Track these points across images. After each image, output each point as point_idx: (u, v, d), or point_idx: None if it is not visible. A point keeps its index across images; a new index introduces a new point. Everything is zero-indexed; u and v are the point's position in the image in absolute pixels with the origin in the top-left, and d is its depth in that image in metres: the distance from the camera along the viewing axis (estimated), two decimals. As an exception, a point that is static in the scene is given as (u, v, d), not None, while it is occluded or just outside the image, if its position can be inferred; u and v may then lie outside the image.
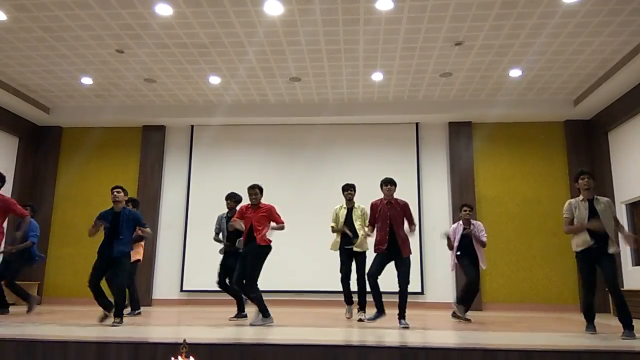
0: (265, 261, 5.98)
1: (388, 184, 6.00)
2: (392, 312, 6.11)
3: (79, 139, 11.45)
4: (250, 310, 6.48)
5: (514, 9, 7.03)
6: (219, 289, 6.91)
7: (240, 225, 5.96)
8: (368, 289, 6.14)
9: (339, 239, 6.76)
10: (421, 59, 8.63)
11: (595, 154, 10.26)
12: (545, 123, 10.75)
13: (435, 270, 10.29)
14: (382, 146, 10.96)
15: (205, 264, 10.32)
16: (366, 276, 5.88)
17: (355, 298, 6.78)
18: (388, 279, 6.07)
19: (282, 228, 6.11)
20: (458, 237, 6.88)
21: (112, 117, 10.93)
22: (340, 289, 6.83)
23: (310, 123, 11.09)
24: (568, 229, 5.45)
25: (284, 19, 7.38)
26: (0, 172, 6.24)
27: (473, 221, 6.91)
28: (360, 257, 6.66)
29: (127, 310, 7.27)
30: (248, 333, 4.89)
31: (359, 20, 7.37)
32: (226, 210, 7.06)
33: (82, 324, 5.69)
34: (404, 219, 5.96)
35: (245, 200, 6.32)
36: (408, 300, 5.85)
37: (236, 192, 7.14)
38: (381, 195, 6.09)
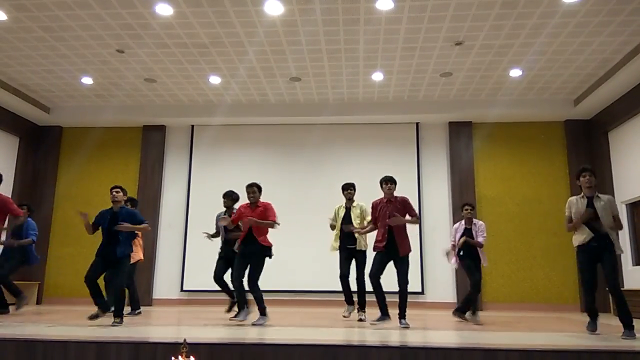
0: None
1: (388, 182, 5.98)
2: (392, 312, 6.10)
3: (79, 139, 11.46)
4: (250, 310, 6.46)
5: (514, 9, 7.03)
6: (218, 288, 6.90)
7: (228, 221, 5.99)
8: (368, 288, 6.13)
9: (337, 243, 6.77)
10: (421, 59, 8.63)
11: (595, 153, 10.26)
12: (546, 123, 10.75)
13: (435, 270, 10.29)
14: (382, 146, 10.96)
15: (205, 264, 10.29)
16: (368, 278, 5.84)
17: (355, 298, 6.78)
18: (388, 279, 6.06)
19: (271, 226, 6.00)
20: (459, 237, 6.84)
21: (112, 117, 10.93)
22: (340, 288, 6.83)
23: (310, 123, 11.09)
24: (568, 227, 5.45)
25: (284, 19, 7.38)
26: None
27: (475, 220, 6.84)
28: (361, 256, 6.66)
29: (127, 310, 7.27)
30: (248, 333, 4.90)
31: (359, 20, 7.37)
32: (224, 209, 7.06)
33: (82, 324, 5.69)
34: (405, 215, 5.93)
35: (243, 199, 6.32)
36: (408, 300, 5.84)
37: (235, 191, 7.11)
38: (381, 195, 6.08)
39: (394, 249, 5.79)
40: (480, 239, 6.71)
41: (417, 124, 10.99)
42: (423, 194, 10.70)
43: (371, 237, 6.21)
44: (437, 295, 10.23)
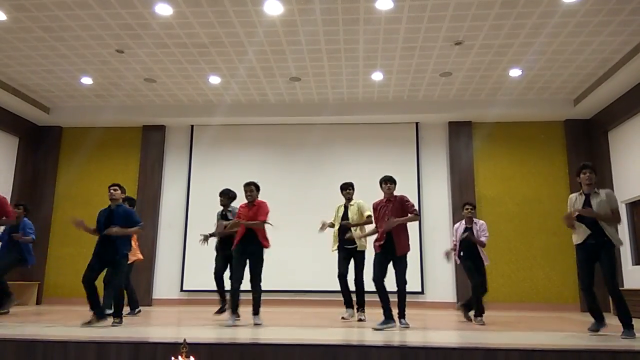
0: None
1: (387, 182, 5.95)
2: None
3: (79, 139, 11.46)
4: (244, 310, 6.44)
5: (514, 9, 7.03)
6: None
7: (230, 228, 6.06)
8: (367, 288, 6.12)
9: (336, 246, 6.77)
10: (421, 59, 8.63)
11: (595, 153, 10.26)
12: (545, 123, 10.76)
13: (435, 270, 10.29)
14: (382, 146, 10.96)
15: (205, 264, 10.30)
16: (372, 282, 5.77)
17: (355, 298, 6.78)
18: (387, 279, 6.05)
19: (261, 226, 5.93)
20: (459, 237, 6.79)
21: (112, 117, 10.93)
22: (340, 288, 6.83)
23: (310, 123, 11.09)
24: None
25: (284, 19, 7.38)
26: None
27: (476, 220, 6.80)
28: (359, 256, 6.66)
29: (126, 310, 7.26)
30: (248, 333, 4.90)
31: (359, 20, 7.37)
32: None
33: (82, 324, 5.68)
34: (405, 214, 5.89)
35: (241, 198, 6.33)
36: (408, 300, 5.84)
37: (232, 190, 7.09)
38: (381, 194, 6.08)
39: (391, 248, 5.77)
40: (482, 239, 6.64)
41: (417, 123, 10.99)
42: (423, 194, 10.70)
43: (371, 237, 6.22)
44: (437, 295, 10.23)
